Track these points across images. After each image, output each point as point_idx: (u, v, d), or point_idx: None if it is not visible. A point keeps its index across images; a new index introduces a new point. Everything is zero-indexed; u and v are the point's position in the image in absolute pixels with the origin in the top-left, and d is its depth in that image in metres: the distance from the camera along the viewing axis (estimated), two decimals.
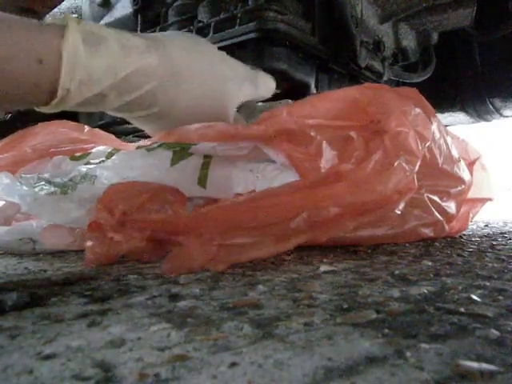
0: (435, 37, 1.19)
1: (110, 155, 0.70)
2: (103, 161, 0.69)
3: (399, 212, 0.62)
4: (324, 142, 0.61)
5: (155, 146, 0.66)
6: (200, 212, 0.51)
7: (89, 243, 0.53)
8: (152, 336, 0.29)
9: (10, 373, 0.23)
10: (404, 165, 0.59)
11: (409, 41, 1.15)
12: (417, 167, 0.61)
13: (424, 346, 0.27)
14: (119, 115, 0.62)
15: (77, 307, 0.36)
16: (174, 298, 0.39)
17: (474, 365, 0.24)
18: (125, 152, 0.69)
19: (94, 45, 0.52)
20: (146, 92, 0.57)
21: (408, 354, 0.25)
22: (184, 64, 0.59)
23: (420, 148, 0.63)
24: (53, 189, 0.65)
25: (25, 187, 0.66)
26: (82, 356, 0.26)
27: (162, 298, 0.39)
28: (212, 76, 0.62)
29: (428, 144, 0.69)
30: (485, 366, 0.24)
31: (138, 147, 0.70)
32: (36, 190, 0.66)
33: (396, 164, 0.58)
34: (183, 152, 0.64)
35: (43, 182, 0.68)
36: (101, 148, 0.75)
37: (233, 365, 0.24)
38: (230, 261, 0.50)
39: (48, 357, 0.26)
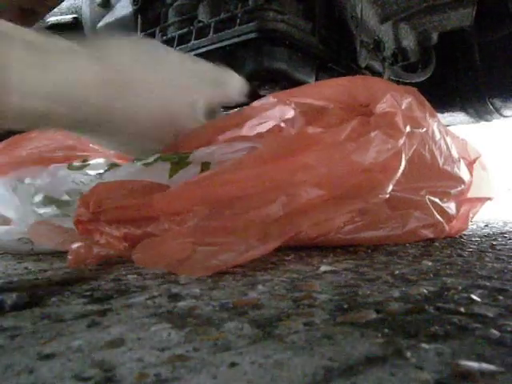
0: (435, 37, 1.19)
1: (108, 168, 0.70)
2: (101, 174, 0.69)
3: (387, 196, 0.59)
4: (297, 111, 0.60)
5: (152, 159, 0.66)
6: (170, 191, 0.50)
7: (72, 244, 0.53)
8: (152, 336, 0.29)
9: (10, 373, 0.23)
10: (384, 137, 0.56)
11: (409, 41, 1.15)
12: (400, 144, 0.58)
13: (424, 345, 0.27)
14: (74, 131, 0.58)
15: (76, 307, 0.36)
16: (174, 298, 0.39)
17: (475, 365, 0.24)
18: (122, 168, 0.68)
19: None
20: (84, 105, 0.51)
21: (408, 353, 0.25)
22: (134, 74, 0.54)
23: (408, 129, 0.61)
24: (53, 210, 0.65)
25: (22, 201, 0.66)
26: (82, 356, 0.26)
27: (162, 298, 0.39)
28: (167, 85, 0.57)
29: (421, 130, 0.67)
30: (485, 366, 0.24)
31: (134, 161, 0.70)
32: (34, 208, 0.66)
33: (374, 134, 0.55)
34: (181, 162, 0.64)
35: (41, 197, 0.67)
36: (99, 160, 0.75)
37: (233, 365, 0.24)
38: (210, 267, 0.46)
39: (48, 357, 0.26)
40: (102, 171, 0.70)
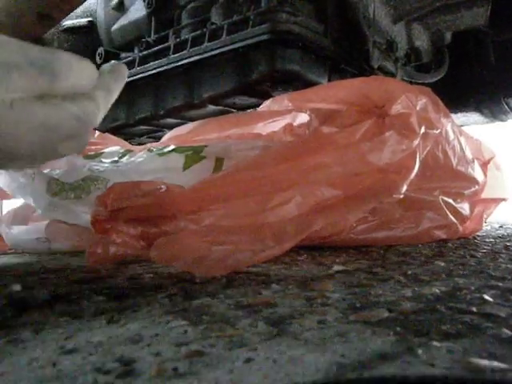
0: (448, 37, 1.19)
1: (122, 156, 0.71)
2: (116, 161, 0.70)
3: (401, 196, 0.59)
4: (313, 115, 0.60)
5: (167, 150, 0.67)
6: (186, 190, 0.50)
7: (89, 244, 0.54)
8: (169, 332, 0.30)
9: (34, 365, 0.24)
10: (399, 137, 0.57)
11: (422, 41, 1.15)
12: (415, 144, 0.58)
13: (435, 343, 0.27)
14: None
15: (95, 305, 0.37)
16: (190, 296, 0.40)
17: (485, 362, 0.24)
18: (137, 155, 0.70)
19: None
20: None
21: (419, 351, 0.26)
22: None
23: (423, 130, 0.61)
24: (67, 193, 0.66)
25: (39, 189, 0.67)
26: (103, 351, 0.27)
27: (178, 296, 0.40)
28: None
29: (436, 131, 0.68)
30: (496, 364, 0.24)
31: (149, 150, 0.71)
32: (50, 193, 0.67)
33: (389, 134, 0.56)
34: (196, 156, 0.65)
35: (58, 186, 0.69)
36: (113, 148, 0.77)
37: (248, 360, 0.25)
38: (225, 266, 0.47)
39: (70, 351, 0.27)
40: (116, 158, 0.71)
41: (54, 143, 0.36)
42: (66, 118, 0.35)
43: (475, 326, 0.31)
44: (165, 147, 0.69)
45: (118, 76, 0.40)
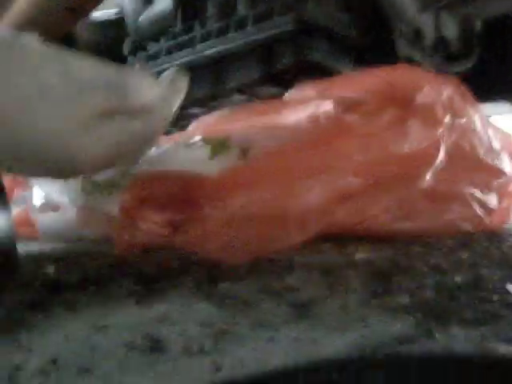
0: (478, 25, 1.16)
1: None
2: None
3: (424, 186, 0.59)
4: (336, 104, 0.60)
5: (193, 141, 0.68)
6: (212, 178, 0.51)
7: (117, 231, 0.55)
8: (195, 313, 0.31)
9: (70, 339, 0.26)
10: (422, 126, 0.56)
11: (450, 29, 1.13)
12: (439, 133, 0.58)
13: (454, 329, 0.28)
14: None
15: (125, 287, 0.39)
16: (215, 280, 0.41)
17: (504, 348, 0.25)
18: (164, 147, 0.71)
19: None
20: None
21: (438, 335, 0.26)
22: None
23: (448, 119, 0.61)
24: (100, 191, 0.68)
25: (74, 188, 0.69)
26: (133, 329, 0.28)
27: (204, 280, 0.41)
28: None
29: (461, 121, 0.67)
30: (506, 346, 0.25)
31: (178, 142, 0.72)
32: (84, 192, 0.69)
33: (412, 122, 0.55)
34: (221, 146, 0.66)
35: (90, 184, 0.70)
36: None
37: (271, 339, 0.26)
38: (249, 253, 0.47)
39: (103, 328, 0.28)
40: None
41: (116, 160, 0.37)
42: (132, 136, 0.36)
43: (495, 315, 0.31)
44: (191, 137, 0.70)
45: (180, 88, 0.40)
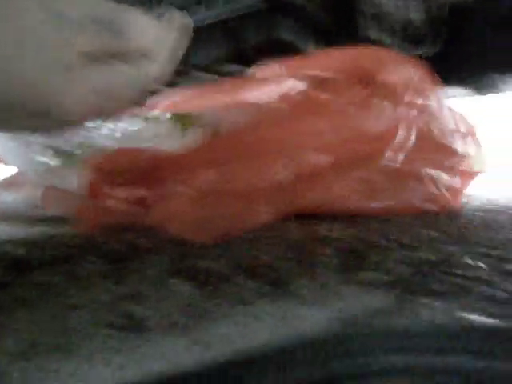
0: (445, 11, 1.18)
1: (116, 123, 0.70)
2: (111, 128, 0.69)
3: (388, 163, 0.61)
4: (305, 82, 0.60)
5: (162, 117, 0.66)
6: (180, 154, 0.50)
7: (81, 209, 0.53)
8: (174, 293, 0.31)
9: (44, 320, 0.25)
10: (386, 105, 0.58)
11: (417, 13, 1.15)
12: (401, 113, 0.60)
13: (424, 300, 0.29)
14: None
15: (97, 266, 0.38)
16: (190, 259, 0.40)
17: (470, 316, 0.26)
18: (132, 123, 0.69)
19: None
20: None
21: (409, 307, 0.28)
22: None
23: (410, 99, 0.63)
24: (61, 160, 0.65)
25: (33, 155, 0.66)
26: (109, 308, 0.28)
27: (178, 259, 0.41)
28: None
29: (423, 102, 0.69)
30: (477, 317, 0.26)
31: (143, 117, 0.70)
32: (44, 160, 0.66)
33: (376, 101, 0.57)
34: (191, 123, 0.64)
35: (52, 152, 0.68)
36: None
37: (255, 317, 0.26)
38: (219, 231, 0.47)
39: (77, 307, 0.27)
40: (111, 126, 0.70)
41: (106, 105, 0.34)
42: (123, 81, 0.33)
43: (461, 286, 0.32)
44: (160, 114, 0.68)
45: (184, 32, 0.37)
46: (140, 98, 0.37)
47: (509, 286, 0.33)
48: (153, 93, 0.40)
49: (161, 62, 0.35)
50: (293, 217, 0.66)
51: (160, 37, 0.35)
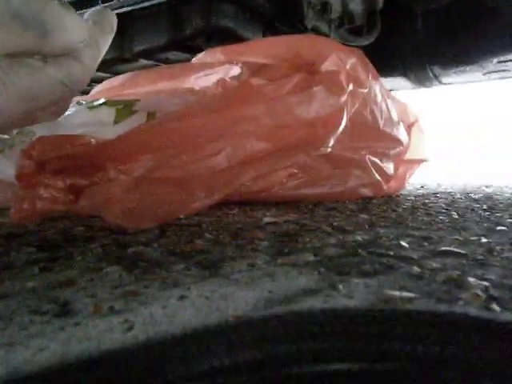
0: (380, 3, 1.22)
1: None
2: None
3: (328, 150, 0.62)
4: (244, 68, 0.61)
5: (97, 103, 0.65)
6: (115, 139, 0.50)
7: (14, 199, 0.52)
8: (104, 277, 0.30)
9: None
10: (327, 93, 0.59)
11: (355, 5, 1.17)
12: (342, 100, 0.61)
13: (355, 280, 0.30)
14: None
15: (26, 256, 0.37)
16: (123, 245, 0.40)
17: (396, 293, 0.27)
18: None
19: None
20: None
21: (340, 286, 0.28)
22: None
23: (351, 88, 0.64)
24: None
25: None
26: (37, 295, 0.27)
27: (111, 245, 0.40)
28: None
29: (364, 90, 0.71)
30: (405, 294, 0.27)
31: (78, 103, 0.69)
32: None
33: (317, 89, 0.58)
34: (127, 110, 0.64)
35: None
36: None
37: (182, 297, 0.26)
38: (156, 218, 0.47)
39: (4, 296, 0.27)
40: None
41: (32, 111, 0.31)
42: (48, 84, 0.30)
43: (390, 266, 0.34)
44: (95, 100, 0.66)
45: (107, 28, 0.34)
46: (64, 101, 0.34)
47: (426, 263, 0.34)
48: (78, 93, 0.37)
49: (85, 62, 0.33)
50: (233, 204, 0.67)
51: (85, 35, 0.32)
